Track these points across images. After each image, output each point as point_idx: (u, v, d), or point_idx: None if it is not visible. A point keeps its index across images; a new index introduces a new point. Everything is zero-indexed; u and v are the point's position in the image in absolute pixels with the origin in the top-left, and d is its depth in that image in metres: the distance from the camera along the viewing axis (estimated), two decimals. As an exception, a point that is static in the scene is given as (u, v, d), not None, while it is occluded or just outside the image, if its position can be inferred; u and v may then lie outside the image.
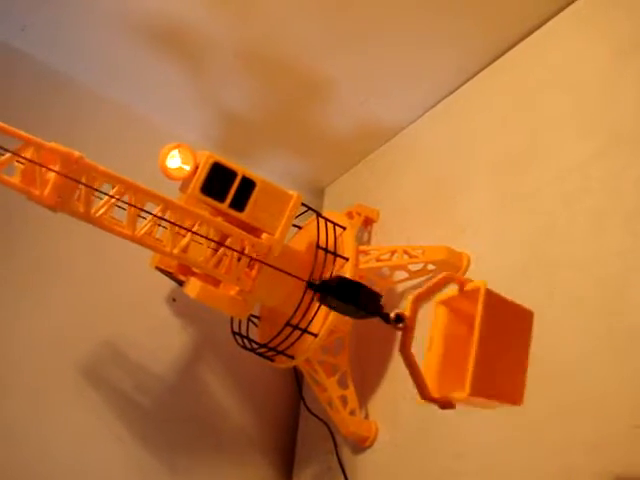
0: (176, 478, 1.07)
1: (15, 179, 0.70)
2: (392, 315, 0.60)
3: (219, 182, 0.89)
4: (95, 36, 1.19)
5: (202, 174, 0.88)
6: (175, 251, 0.84)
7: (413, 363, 0.60)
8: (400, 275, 1.04)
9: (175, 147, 0.89)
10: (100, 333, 1.10)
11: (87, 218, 0.75)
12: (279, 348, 0.97)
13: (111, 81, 1.27)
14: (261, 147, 1.41)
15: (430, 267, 1.01)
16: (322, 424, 1.11)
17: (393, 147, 1.33)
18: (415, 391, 0.95)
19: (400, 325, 0.60)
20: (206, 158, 0.88)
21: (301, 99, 1.29)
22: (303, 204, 0.98)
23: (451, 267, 0.99)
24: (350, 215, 1.23)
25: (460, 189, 1.09)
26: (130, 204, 0.75)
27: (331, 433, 1.09)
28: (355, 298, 0.61)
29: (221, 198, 0.89)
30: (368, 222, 1.26)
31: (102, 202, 0.75)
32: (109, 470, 1.03)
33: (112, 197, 0.74)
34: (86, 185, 0.70)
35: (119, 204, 0.76)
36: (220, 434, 1.16)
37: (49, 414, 1.01)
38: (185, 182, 0.90)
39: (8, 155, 0.67)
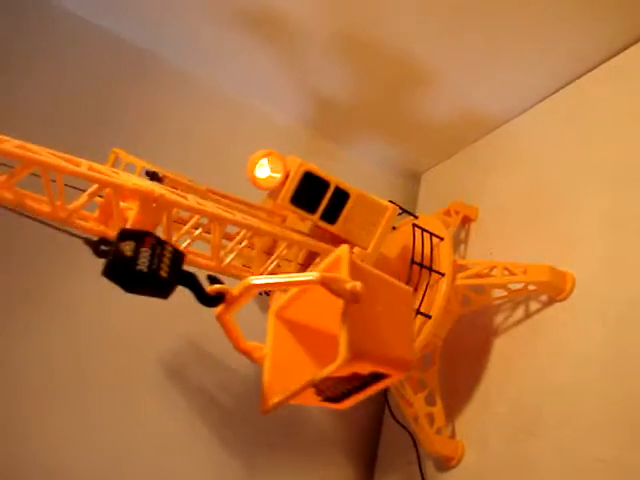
0: (255, 477, 1.08)
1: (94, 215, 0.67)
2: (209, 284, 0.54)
3: (310, 192, 0.84)
4: (185, 17, 1.16)
5: (293, 184, 0.83)
6: (263, 275, 0.80)
7: None
8: (498, 292, 0.98)
9: (264, 155, 0.84)
10: (180, 330, 1.09)
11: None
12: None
13: (201, 63, 1.24)
14: (357, 130, 1.34)
15: (531, 287, 0.94)
16: (405, 432, 1.08)
17: (496, 139, 1.24)
18: (505, 413, 0.91)
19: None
20: (297, 167, 0.83)
21: (399, 85, 1.21)
22: (400, 207, 0.92)
23: (554, 289, 0.92)
24: (448, 213, 1.17)
25: (568, 196, 1.00)
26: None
27: (414, 443, 1.05)
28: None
29: (312, 209, 0.84)
30: (466, 220, 1.19)
31: (182, 233, 0.71)
32: (189, 469, 1.04)
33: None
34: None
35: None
36: (302, 435, 1.15)
37: (132, 413, 1.03)
38: (274, 191, 0.85)
39: (84, 196, 0.62)
